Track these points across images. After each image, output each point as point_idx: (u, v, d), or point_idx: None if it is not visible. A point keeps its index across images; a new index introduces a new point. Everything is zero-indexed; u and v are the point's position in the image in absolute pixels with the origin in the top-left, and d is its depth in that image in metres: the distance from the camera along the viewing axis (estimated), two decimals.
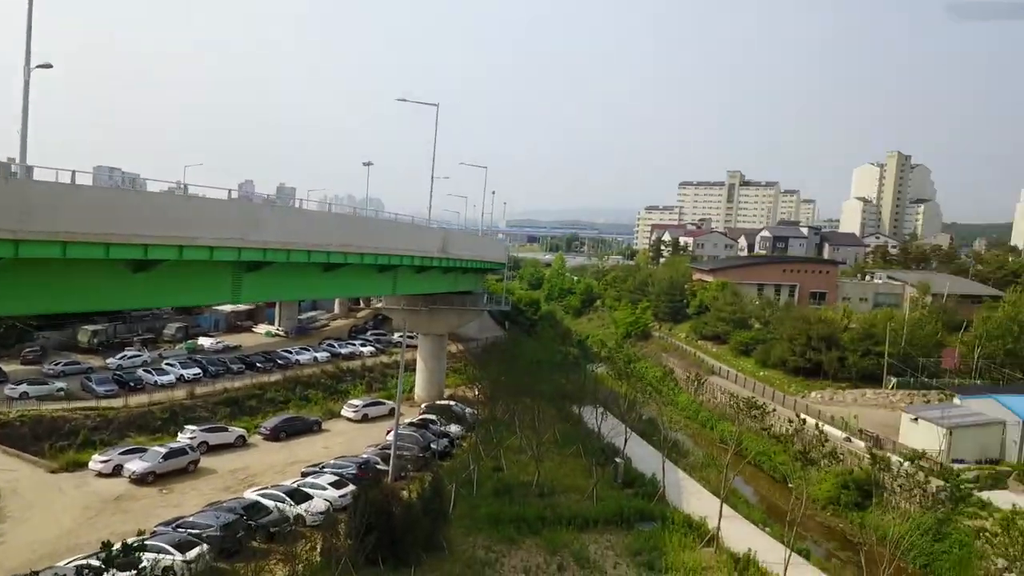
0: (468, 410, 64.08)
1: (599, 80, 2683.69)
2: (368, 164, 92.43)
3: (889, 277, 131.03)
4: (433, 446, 53.39)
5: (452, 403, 66.85)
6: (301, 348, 79.81)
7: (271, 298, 74.29)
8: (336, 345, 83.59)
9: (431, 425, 58.36)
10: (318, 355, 78.46)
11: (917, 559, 41.51)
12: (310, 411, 64.01)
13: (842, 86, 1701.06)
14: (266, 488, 43.14)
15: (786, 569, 35.88)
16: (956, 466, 50.15)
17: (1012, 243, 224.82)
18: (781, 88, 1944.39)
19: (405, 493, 41.08)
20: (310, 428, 59.68)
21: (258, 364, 72.90)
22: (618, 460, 52.02)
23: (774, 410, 47.52)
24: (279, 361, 74.55)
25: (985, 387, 68.11)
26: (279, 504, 39.84)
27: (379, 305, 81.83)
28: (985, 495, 46.52)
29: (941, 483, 47.76)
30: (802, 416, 46.34)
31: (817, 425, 43.43)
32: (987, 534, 33.15)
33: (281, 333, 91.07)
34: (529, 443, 50.75)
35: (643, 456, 54.78)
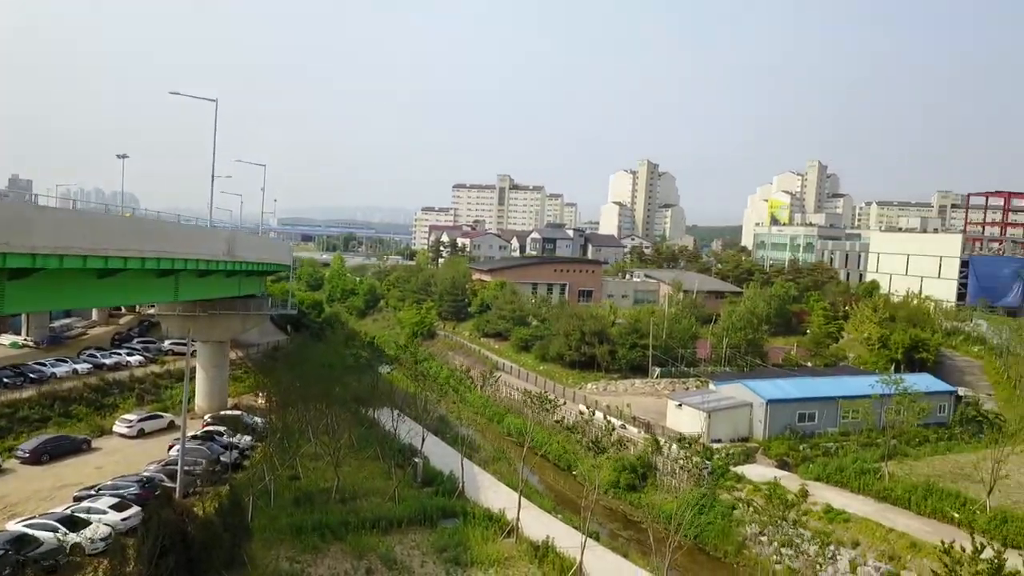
0: (258, 419, 61.65)
1: (369, 77, 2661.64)
2: (123, 157, 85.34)
3: (646, 276, 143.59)
4: (223, 458, 51.02)
5: (239, 412, 63.95)
6: (57, 359, 72.05)
7: (40, 308, 66.59)
8: (99, 355, 76.36)
9: (217, 437, 55.67)
10: (78, 367, 71.32)
11: (689, 531, 46.34)
12: (75, 429, 58.18)
13: (599, 98, 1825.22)
14: (33, 517, 38.98)
15: (583, 552, 38.77)
16: (715, 445, 56.59)
17: (743, 244, 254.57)
18: (540, 98, 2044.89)
19: (199, 510, 38.98)
20: (79, 447, 54.34)
21: (5, 380, 64.80)
22: (416, 460, 52.98)
23: (564, 403, 50.81)
24: (31, 375, 66.75)
25: (734, 373, 77.28)
26: (54, 534, 36.25)
27: (150, 311, 76.11)
28: (740, 469, 53.05)
29: (705, 461, 53.69)
30: (592, 409, 49.84)
31: (605, 416, 47.04)
32: (753, 503, 37.97)
33: (30, 343, 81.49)
34: (326, 449, 50.20)
35: (440, 454, 56.10)
